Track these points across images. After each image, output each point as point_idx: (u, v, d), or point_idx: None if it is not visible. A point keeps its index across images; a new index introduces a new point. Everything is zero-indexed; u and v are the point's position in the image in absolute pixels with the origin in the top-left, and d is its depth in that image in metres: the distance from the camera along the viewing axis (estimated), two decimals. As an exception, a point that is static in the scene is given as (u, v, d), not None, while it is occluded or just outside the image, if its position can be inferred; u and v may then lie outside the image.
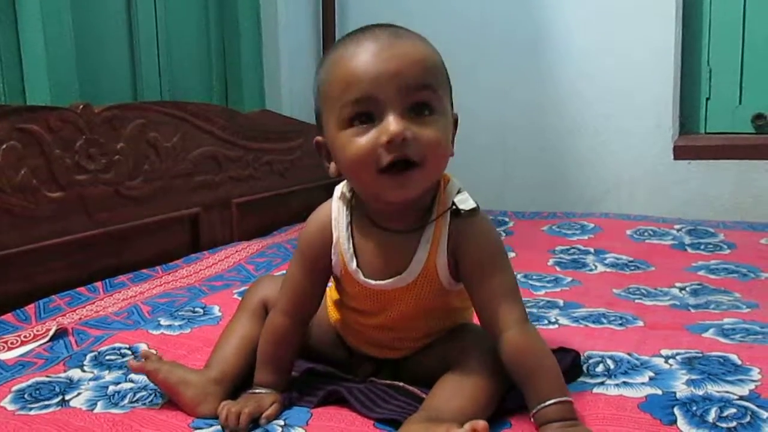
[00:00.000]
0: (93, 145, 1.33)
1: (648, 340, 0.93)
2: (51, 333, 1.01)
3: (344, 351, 0.88)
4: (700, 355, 0.86)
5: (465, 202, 0.75)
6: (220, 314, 1.11)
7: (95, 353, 0.95)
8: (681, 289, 1.31)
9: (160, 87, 1.75)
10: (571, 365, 0.81)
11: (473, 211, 0.75)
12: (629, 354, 0.87)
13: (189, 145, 1.58)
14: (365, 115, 0.70)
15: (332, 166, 0.76)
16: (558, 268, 1.49)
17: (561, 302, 1.21)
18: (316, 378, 0.83)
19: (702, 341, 0.93)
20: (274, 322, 0.82)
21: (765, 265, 1.45)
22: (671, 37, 2.05)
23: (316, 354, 0.89)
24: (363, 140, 0.70)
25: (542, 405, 0.68)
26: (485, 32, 2.23)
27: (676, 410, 0.71)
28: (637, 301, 1.22)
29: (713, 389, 0.75)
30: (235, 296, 1.19)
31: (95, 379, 0.87)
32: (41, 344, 0.99)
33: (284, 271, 0.86)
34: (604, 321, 1.05)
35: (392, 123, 0.68)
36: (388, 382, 0.80)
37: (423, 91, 0.70)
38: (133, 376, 0.87)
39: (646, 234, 1.73)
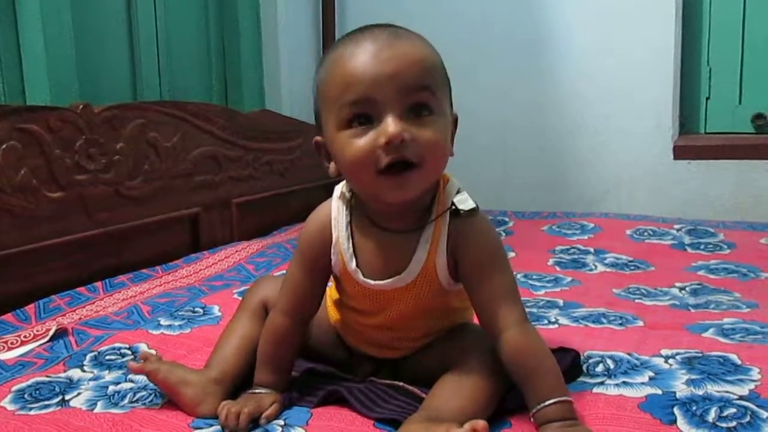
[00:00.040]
0: (93, 145, 1.33)
1: (648, 340, 0.93)
2: (51, 333, 1.01)
3: (344, 351, 0.88)
4: (700, 354, 0.86)
5: (464, 202, 0.75)
6: (220, 314, 1.11)
7: (95, 353, 0.95)
8: (681, 289, 1.31)
9: (159, 87, 1.75)
10: (571, 365, 0.81)
11: (473, 211, 0.75)
12: (629, 354, 0.87)
13: (189, 145, 1.58)
14: (364, 116, 0.70)
15: (332, 165, 0.76)
16: (558, 268, 1.49)
17: (561, 302, 1.21)
18: (316, 378, 0.83)
19: (702, 341, 0.93)
20: (275, 322, 0.82)
21: (765, 265, 1.45)
22: (671, 37, 2.05)
23: (315, 354, 0.89)
24: (361, 142, 0.70)
25: (542, 405, 0.68)
26: (485, 32, 2.23)
27: (676, 410, 0.71)
28: (637, 301, 1.22)
29: (713, 389, 0.75)
30: (235, 296, 1.19)
31: (95, 379, 0.87)
32: (41, 344, 0.99)
33: (284, 271, 0.86)
34: (604, 321, 1.05)
35: (390, 124, 0.68)
36: (388, 381, 0.80)
37: (421, 92, 0.70)
38: (133, 376, 0.87)
39: (646, 234, 1.73)
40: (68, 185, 1.28)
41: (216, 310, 1.13)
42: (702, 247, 1.62)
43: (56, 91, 1.38)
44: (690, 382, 0.77)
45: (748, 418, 0.69)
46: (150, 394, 0.81)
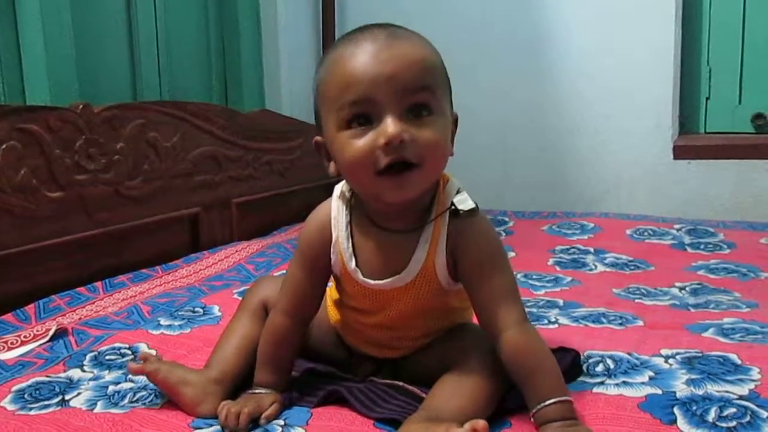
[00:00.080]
0: (93, 145, 1.33)
1: (648, 340, 0.93)
2: (51, 333, 1.01)
3: (344, 351, 0.88)
4: (700, 354, 0.86)
5: (464, 202, 0.75)
6: (219, 314, 1.11)
7: (95, 353, 0.95)
8: (681, 288, 1.31)
9: (159, 87, 1.75)
10: (571, 365, 0.81)
11: (472, 212, 0.75)
12: (629, 354, 0.87)
13: (189, 144, 1.58)
14: (363, 117, 0.70)
15: (332, 165, 0.76)
16: (558, 268, 1.49)
17: (561, 302, 1.21)
18: (316, 378, 0.83)
19: (702, 341, 0.93)
20: (275, 322, 0.82)
21: (765, 264, 1.45)
22: (671, 37, 2.05)
23: (315, 354, 0.89)
24: (361, 142, 0.70)
25: (542, 404, 0.68)
26: (485, 32, 2.23)
27: (675, 410, 0.71)
28: (636, 300, 1.22)
29: (713, 389, 0.75)
30: (235, 296, 1.19)
31: (95, 379, 0.87)
32: (41, 344, 0.99)
33: (284, 271, 0.86)
34: (604, 321, 1.05)
35: (390, 125, 0.68)
36: (388, 381, 0.80)
37: (421, 92, 0.70)
38: (133, 376, 0.87)
39: (645, 234, 1.73)
40: (68, 185, 1.28)
41: (216, 310, 1.13)
42: (702, 246, 1.62)
43: (56, 91, 1.38)
44: (690, 382, 0.77)
45: (748, 418, 0.69)
46: (150, 394, 0.81)
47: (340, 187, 0.82)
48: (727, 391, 0.74)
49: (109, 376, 0.88)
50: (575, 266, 1.50)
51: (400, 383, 0.79)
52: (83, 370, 0.90)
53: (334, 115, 0.71)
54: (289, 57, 2.13)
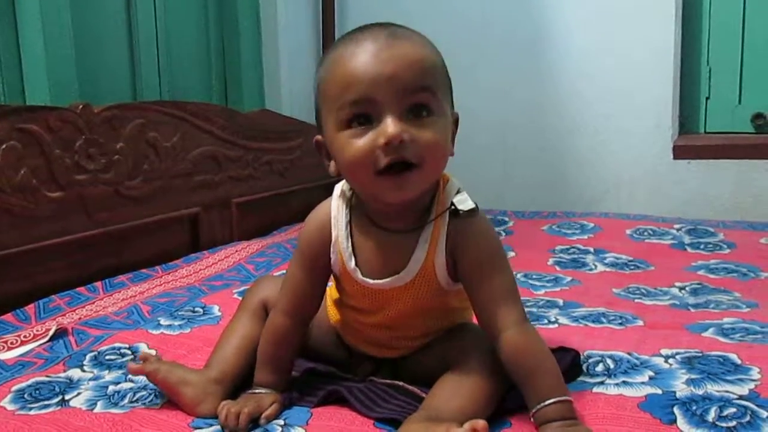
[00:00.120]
0: (93, 145, 1.33)
1: (648, 340, 0.93)
2: (51, 333, 1.01)
3: (344, 351, 0.88)
4: (700, 354, 0.86)
5: (464, 202, 0.75)
6: (219, 314, 1.11)
7: (95, 353, 0.95)
8: (681, 288, 1.31)
9: (159, 87, 1.75)
10: (571, 365, 0.81)
11: (472, 212, 0.75)
12: (629, 353, 0.87)
13: (188, 144, 1.58)
14: (363, 117, 0.70)
15: (332, 164, 0.76)
16: (558, 268, 1.49)
17: (561, 302, 1.21)
18: (316, 378, 0.83)
19: (702, 341, 0.93)
20: (275, 322, 0.82)
21: (765, 264, 1.45)
22: (671, 37, 2.05)
23: (315, 354, 0.89)
24: (361, 142, 0.70)
25: (542, 404, 0.68)
26: (485, 32, 2.23)
27: (675, 410, 0.71)
28: (636, 300, 1.22)
29: (713, 389, 0.75)
30: (235, 296, 1.19)
31: (95, 378, 0.87)
32: (41, 344, 0.99)
33: (284, 271, 0.86)
34: (604, 320, 1.05)
35: (390, 125, 0.68)
36: (388, 381, 0.80)
37: (421, 93, 0.70)
38: (132, 375, 0.87)
39: (645, 233, 1.73)
40: (68, 185, 1.28)
41: (216, 310, 1.13)
42: (702, 246, 1.62)
43: (56, 91, 1.38)
44: (690, 382, 0.77)
45: (747, 418, 0.69)
46: (150, 394, 0.81)
47: (340, 187, 0.82)
48: (727, 391, 0.74)
49: (109, 376, 0.88)
50: (575, 266, 1.50)
51: (400, 383, 0.79)
52: (83, 370, 0.90)
53: (335, 114, 0.71)
54: (289, 57, 2.13)
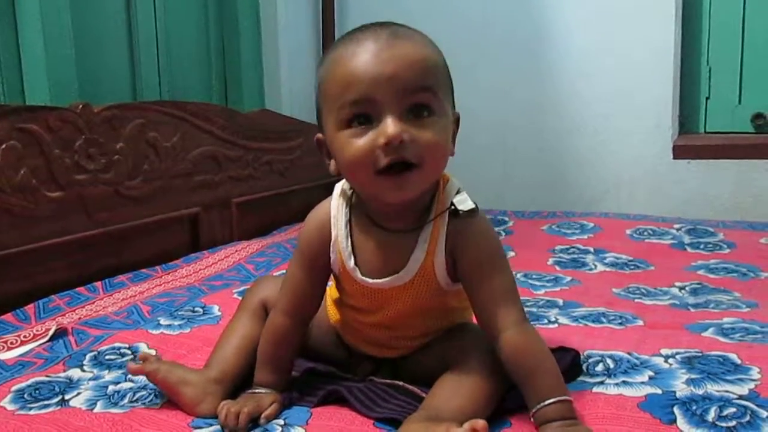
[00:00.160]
0: (92, 144, 1.33)
1: (648, 340, 0.93)
2: (51, 333, 1.01)
3: (344, 351, 0.88)
4: (700, 354, 0.86)
5: (464, 202, 0.75)
6: (219, 314, 1.11)
7: (95, 353, 0.95)
8: (681, 288, 1.31)
9: (159, 87, 1.75)
10: (571, 364, 0.81)
11: (472, 212, 0.75)
12: (629, 353, 0.87)
13: (188, 144, 1.58)
14: (364, 116, 0.70)
15: (332, 163, 0.76)
16: (558, 268, 1.49)
17: (561, 301, 1.21)
18: (316, 377, 0.83)
19: (701, 340, 0.93)
20: (275, 322, 0.82)
21: (765, 264, 1.45)
22: (671, 37, 2.05)
23: (315, 354, 0.89)
24: (361, 142, 0.70)
25: (542, 404, 0.68)
26: (485, 32, 2.23)
27: (675, 409, 0.71)
28: (636, 300, 1.22)
29: (713, 388, 0.75)
30: (235, 296, 1.19)
31: (95, 378, 0.87)
32: (41, 344, 0.99)
33: (284, 271, 0.86)
34: (604, 320, 1.05)
35: (390, 125, 0.68)
36: (388, 381, 0.80)
37: (422, 93, 0.70)
38: (132, 375, 0.86)
39: (645, 233, 1.73)
40: (68, 185, 1.28)
41: (216, 309, 1.13)
42: (702, 246, 1.62)
43: (56, 91, 1.38)
44: (690, 382, 0.77)
45: (747, 418, 0.69)
46: (150, 394, 0.81)
47: (340, 186, 0.82)
48: (726, 391, 0.74)
49: (108, 375, 0.88)
50: (575, 266, 1.50)
51: (400, 383, 0.79)
52: (83, 370, 0.90)
53: (335, 113, 0.71)
54: (289, 57, 2.13)
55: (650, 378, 0.79)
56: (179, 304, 1.16)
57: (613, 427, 0.69)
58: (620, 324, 1.03)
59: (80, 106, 1.30)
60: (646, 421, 0.70)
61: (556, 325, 1.03)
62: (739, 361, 0.83)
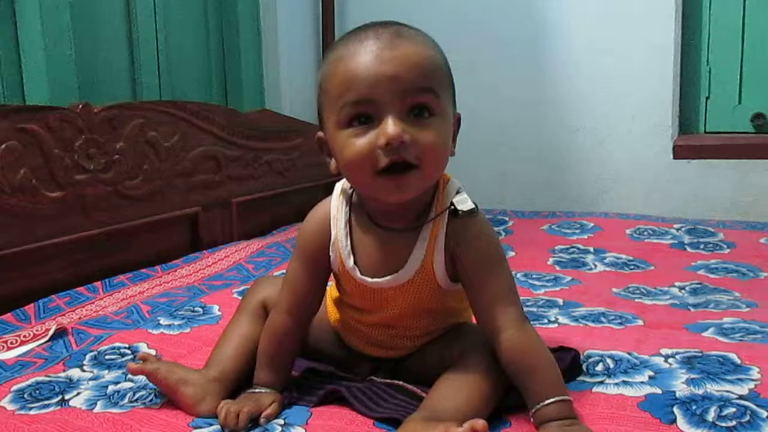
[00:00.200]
0: (92, 144, 1.33)
1: (648, 340, 0.93)
2: (50, 333, 1.01)
3: (344, 351, 0.88)
4: (700, 354, 0.86)
5: (463, 202, 0.75)
6: (219, 314, 1.11)
7: (95, 353, 0.95)
8: (680, 288, 1.31)
9: (159, 87, 1.75)
10: (571, 364, 0.81)
11: (471, 212, 0.75)
12: (629, 353, 0.87)
13: (188, 144, 1.58)
14: (364, 116, 0.70)
15: (332, 162, 0.76)
16: (557, 268, 1.49)
17: (560, 301, 1.21)
18: (316, 377, 0.83)
19: (701, 340, 0.93)
20: (275, 321, 0.82)
21: (764, 264, 1.45)
22: (671, 37, 2.04)
23: (315, 354, 0.89)
24: (361, 142, 0.70)
25: (541, 404, 0.68)
26: (485, 32, 2.23)
27: (675, 409, 0.71)
28: (636, 300, 1.22)
29: (713, 388, 0.75)
30: (235, 296, 1.19)
31: (95, 378, 0.87)
32: (41, 344, 0.99)
33: (284, 271, 0.86)
34: (604, 320, 1.05)
35: (390, 126, 0.68)
36: (388, 381, 0.80)
37: (422, 93, 0.70)
38: (132, 375, 0.87)
39: (645, 233, 1.73)
40: (68, 185, 1.28)
41: (216, 309, 1.13)
42: (702, 246, 1.62)
43: (56, 91, 1.38)
44: (690, 382, 0.77)
45: (747, 418, 0.69)
46: (150, 394, 0.81)
47: (340, 185, 0.82)
48: (726, 391, 0.74)
49: (108, 375, 0.88)
50: (575, 266, 1.50)
51: (400, 383, 0.79)
52: (83, 370, 0.90)
53: (336, 113, 0.71)
54: (289, 57, 2.13)
55: (650, 378, 0.79)
56: (179, 304, 1.16)
57: (613, 427, 0.69)
58: (620, 324, 1.03)
59: (80, 105, 1.30)
60: (646, 421, 0.70)
61: (556, 324, 1.03)
62: (739, 361, 0.83)
